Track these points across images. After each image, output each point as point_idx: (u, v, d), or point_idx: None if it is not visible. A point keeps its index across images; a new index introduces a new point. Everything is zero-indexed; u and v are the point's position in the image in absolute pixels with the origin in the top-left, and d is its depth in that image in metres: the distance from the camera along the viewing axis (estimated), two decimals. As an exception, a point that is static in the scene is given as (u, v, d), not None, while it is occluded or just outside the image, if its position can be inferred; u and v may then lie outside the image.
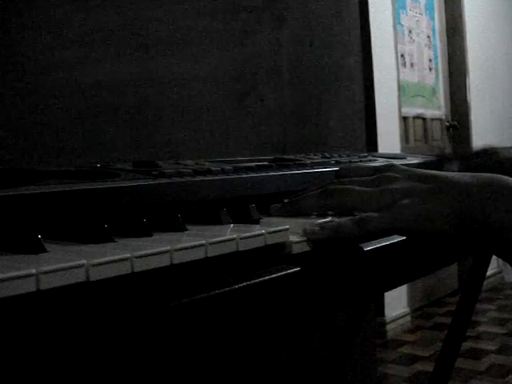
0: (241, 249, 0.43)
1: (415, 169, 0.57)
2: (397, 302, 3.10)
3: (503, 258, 0.52)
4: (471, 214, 0.50)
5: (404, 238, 0.61)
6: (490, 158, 0.89)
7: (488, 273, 1.46)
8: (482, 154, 0.91)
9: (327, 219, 0.56)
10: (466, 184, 0.52)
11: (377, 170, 0.59)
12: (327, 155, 0.97)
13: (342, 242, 0.52)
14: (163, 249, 0.37)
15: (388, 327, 3.01)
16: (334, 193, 0.57)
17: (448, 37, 3.90)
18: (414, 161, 1.07)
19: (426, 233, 0.52)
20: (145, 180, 0.57)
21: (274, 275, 0.45)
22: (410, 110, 3.39)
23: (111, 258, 0.34)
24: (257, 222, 0.54)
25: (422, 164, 0.97)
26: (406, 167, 0.58)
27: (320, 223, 0.52)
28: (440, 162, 0.94)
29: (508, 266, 0.54)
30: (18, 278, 0.30)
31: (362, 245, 0.55)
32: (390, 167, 0.58)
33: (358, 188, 0.56)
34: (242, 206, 0.55)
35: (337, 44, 1.49)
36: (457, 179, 0.53)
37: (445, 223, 0.51)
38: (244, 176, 0.67)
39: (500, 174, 0.62)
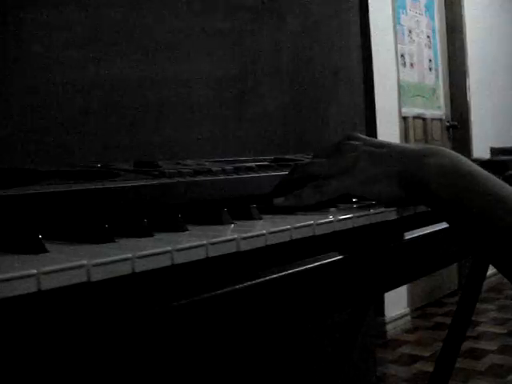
0: (242, 249, 0.43)
1: (372, 138, 0.64)
2: (397, 302, 3.10)
3: (444, 219, 0.58)
4: (412, 176, 0.57)
5: (405, 238, 0.62)
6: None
7: (488, 273, 1.46)
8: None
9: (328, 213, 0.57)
10: (411, 150, 0.59)
11: (339, 142, 0.64)
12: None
13: (336, 241, 0.56)
14: (164, 249, 0.37)
15: (388, 327, 3.01)
16: (300, 166, 0.64)
17: (448, 37, 3.90)
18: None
19: (377, 193, 0.59)
20: (145, 180, 0.57)
21: (274, 275, 0.45)
22: (410, 110, 3.39)
23: (112, 258, 0.34)
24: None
25: None
26: (363, 136, 0.64)
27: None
28: None
29: None
30: (19, 278, 0.30)
31: (363, 244, 0.55)
32: (349, 137, 0.64)
33: (321, 159, 0.62)
34: (243, 205, 0.55)
35: (337, 44, 1.48)
36: (405, 147, 0.61)
37: (392, 184, 0.58)
38: (244, 176, 0.67)
39: None
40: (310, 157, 0.94)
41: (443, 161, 0.56)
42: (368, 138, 0.64)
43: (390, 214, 0.60)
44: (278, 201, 0.60)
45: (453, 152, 0.58)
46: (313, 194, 0.59)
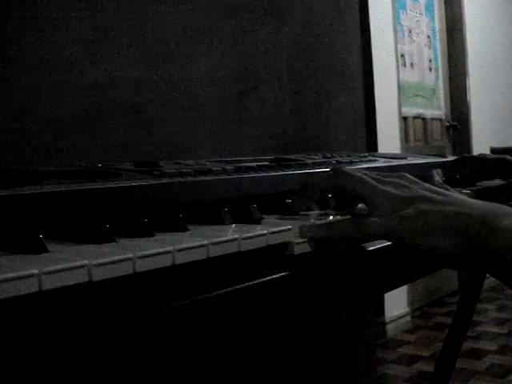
0: (243, 249, 0.43)
1: (425, 183, 0.56)
2: (397, 302, 3.10)
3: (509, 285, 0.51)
4: (475, 236, 0.48)
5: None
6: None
7: (488, 273, 1.45)
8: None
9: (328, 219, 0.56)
10: (480, 208, 0.50)
11: (388, 175, 0.57)
12: (328, 155, 0.97)
13: (336, 242, 0.52)
14: (165, 249, 0.37)
15: (388, 327, 3.01)
16: (343, 174, 0.55)
17: (448, 37, 3.90)
18: (414, 161, 1.07)
19: (433, 247, 0.50)
20: (146, 180, 0.57)
21: (275, 276, 0.45)
22: (410, 110, 3.39)
23: (113, 258, 0.34)
24: (258, 221, 0.54)
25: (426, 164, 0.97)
26: (417, 180, 0.56)
27: (315, 222, 0.52)
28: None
29: None
30: (20, 278, 0.30)
31: (364, 245, 0.55)
32: (401, 175, 0.56)
33: (369, 179, 0.54)
34: (244, 205, 0.55)
35: (337, 44, 1.48)
36: (471, 201, 0.52)
37: (451, 242, 0.49)
38: (245, 176, 0.67)
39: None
40: (309, 157, 0.94)
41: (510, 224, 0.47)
42: (420, 181, 0.56)
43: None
44: (307, 229, 0.51)
45: None
46: (348, 227, 0.52)
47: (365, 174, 0.56)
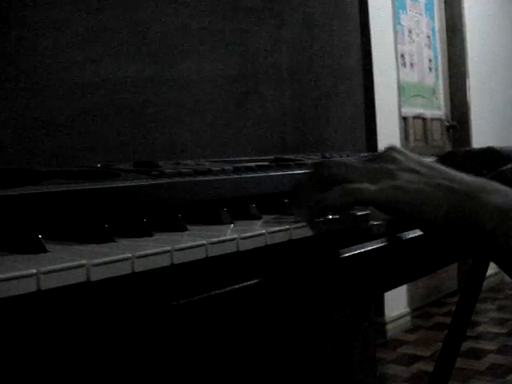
0: (241, 249, 0.43)
1: (414, 154, 0.56)
2: (397, 302, 3.10)
3: (495, 261, 0.51)
4: (464, 211, 0.49)
5: (405, 238, 0.62)
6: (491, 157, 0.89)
7: (488, 273, 1.46)
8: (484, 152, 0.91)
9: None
10: (465, 182, 0.51)
11: (375, 155, 0.57)
12: (327, 155, 0.97)
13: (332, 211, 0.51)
14: (164, 249, 0.37)
15: (388, 327, 3.01)
16: (327, 164, 0.54)
17: (448, 37, 3.90)
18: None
19: (416, 216, 0.50)
20: (145, 180, 0.57)
21: (274, 275, 0.45)
22: (410, 110, 3.39)
23: (112, 258, 0.34)
24: (257, 221, 0.54)
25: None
26: (405, 151, 0.56)
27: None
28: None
29: None
30: (19, 277, 0.30)
31: (366, 243, 0.55)
32: (390, 149, 0.56)
33: (356, 163, 0.54)
34: (243, 205, 0.55)
35: (337, 44, 1.48)
36: (456, 174, 0.52)
37: (437, 212, 0.49)
38: (244, 176, 0.67)
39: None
40: (309, 157, 0.94)
41: (501, 200, 0.48)
42: (409, 152, 0.56)
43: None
44: (299, 213, 0.51)
45: (508, 189, 0.50)
46: (341, 196, 0.50)
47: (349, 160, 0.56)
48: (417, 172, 0.52)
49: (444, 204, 0.49)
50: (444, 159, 0.95)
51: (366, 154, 0.59)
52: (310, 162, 0.84)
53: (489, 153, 0.91)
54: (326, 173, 0.53)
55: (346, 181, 0.52)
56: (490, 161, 0.89)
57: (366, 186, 0.51)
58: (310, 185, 0.54)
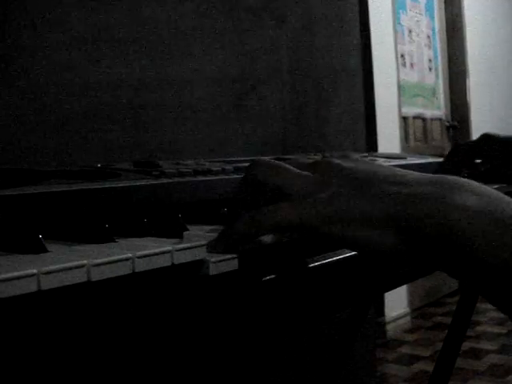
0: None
1: (365, 160, 0.44)
2: (397, 302, 3.10)
3: (461, 277, 0.40)
4: (423, 223, 0.36)
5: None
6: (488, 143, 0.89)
7: (488, 273, 1.45)
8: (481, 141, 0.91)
9: None
10: (421, 182, 0.38)
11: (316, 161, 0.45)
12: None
13: (241, 244, 0.41)
14: (164, 249, 0.37)
15: (388, 327, 3.01)
16: (257, 164, 0.45)
17: (448, 37, 3.90)
18: (414, 161, 1.07)
19: (359, 240, 0.38)
20: (145, 180, 0.57)
21: (273, 275, 0.45)
22: (410, 110, 3.39)
23: (112, 258, 0.34)
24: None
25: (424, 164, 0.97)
26: (357, 156, 0.45)
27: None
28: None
29: None
30: (19, 278, 0.30)
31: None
32: (345, 155, 0.46)
33: (289, 166, 0.44)
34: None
35: (337, 44, 1.48)
36: (408, 175, 0.40)
37: (385, 231, 0.37)
38: (244, 176, 0.67)
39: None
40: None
41: (483, 202, 0.36)
42: (362, 159, 0.45)
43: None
44: (210, 245, 0.40)
45: (475, 183, 0.38)
46: (248, 227, 0.40)
47: (296, 162, 0.46)
48: (354, 180, 0.40)
49: (393, 219, 0.37)
50: (454, 156, 0.93)
51: (314, 157, 0.48)
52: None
53: (484, 140, 0.90)
54: (253, 173, 0.44)
55: (275, 189, 0.43)
56: (486, 148, 0.88)
57: (286, 205, 0.40)
58: (242, 194, 0.46)
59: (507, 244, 0.34)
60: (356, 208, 0.38)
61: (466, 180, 0.38)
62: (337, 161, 0.43)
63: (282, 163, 0.44)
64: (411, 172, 0.41)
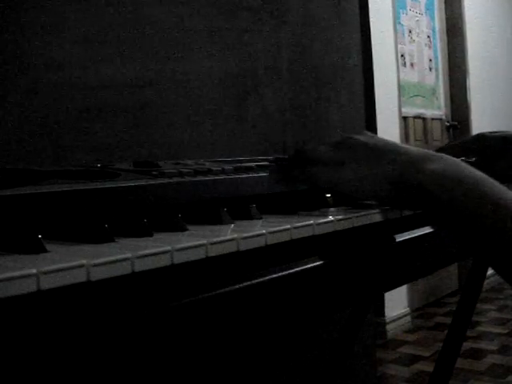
0: (241, 249, 0.43)
1: (377, 137, 0.62)
2: (397, 302, 3.10)
3: (443, 223, 0.56)
4: (410, 179, 0.55)
5: (404, 239, 0.62)
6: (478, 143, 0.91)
7: (488, 273, 1.46)
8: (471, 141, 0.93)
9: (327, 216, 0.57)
10: (411, 153, 0.57)
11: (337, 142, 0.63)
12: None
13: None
14: (164, 249, 0.37)
15: (388, 327, 3.01)
16: (300, 151, 0.64)
17: (448, 37, 3.90)
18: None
19: (365, 192, 0.58)
20: (145, 180, 0.57)
21: (274, 275, 0.45)
22: (410, 110, 3.39)
23: (112, 258, 0.34)
24: (257, 221, 0.54)
25: None
26: (371, 134, 0.63)
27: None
28: None
29: None
30: (19, 278, 0.30)
31: (365, 245, 0.55)
32: (358, 133, 0.63)
33: (323, 147, 0.62)
34: (243, 205, 0.55)
35: (337, 44, 1.48)
36: (406, 149, 0.58)
37: (382, 184, 0.57)
38: (244, 176, 0.67)
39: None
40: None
41: (444, 166, 0.55)
42: (375, 136, 0.63)
43: (379, 216, 0.60)
44: (272, 176, 0.63)
45: (453, 158, 0.57)
46: (301, 179, 0.61)
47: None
48: (368, 151, 0.59)
49: (388, 176, 0.56)
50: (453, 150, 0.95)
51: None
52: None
53: (477, 139, 0.92)
54: (297, 158, 0.63)
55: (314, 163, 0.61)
56: (479, 147, 0.90)
57: (316, 170, 0.60)
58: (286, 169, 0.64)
59: (455, 190, 0.53)
60: (368, 172, 0.58)
61: (441, 154, 0.57)
62: (356, 136, 0.61)
63: (319, 147, 0.62)
64: (408, 147, 0.59)
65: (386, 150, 0.59)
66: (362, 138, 0.61)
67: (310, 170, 0.61)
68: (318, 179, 0.60)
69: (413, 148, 0.59)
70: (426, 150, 0.58)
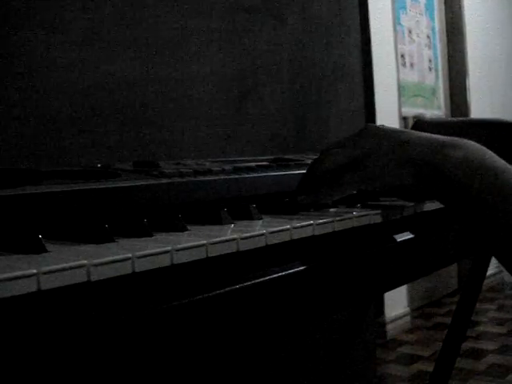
0: (241, 249, 0.43)
1: (391, 127, 0.63)
2: (397, 302, 3.10)
3: (462, 212, 0.55)
4: (432, 166, 0.55)
5: (404, 239, 0.62)
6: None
7: (488, 273, 1.46)
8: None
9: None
10: (434, 140, 0.57)
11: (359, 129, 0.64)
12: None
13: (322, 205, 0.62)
14: (164, 249, 0.37)
15: (388, 327, 3.01)
16: (316, 164, 0.64)
17: (448, 37, 3.90)
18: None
19: (388, 183, 0.58)
20: (145, 180, 0.57)
21: (274, 275, 0.45)
22: (410, 110, 3.39)
23: (112, 258, 0.34)
24: (257, 222, 0.54)
25: None
26: (383, 126, 0.64)
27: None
28: None
29: None
30: (19, 278, 0.30)
31: (365, 245, 0.55)
32: (368, 126, 0.64)
33: (336, 150, 0.62)
34: (243, 205, 0.55)
35: (337, 44, 1.48)
36: (427, 135, 0.59)
37: (405, 172, 0.57)
38: (244, 176, 0.67)
39: None
40: (309, 157, 0.94)
41: (469, 154, 0.54)
42: (387, 127, 0.64)
43: (379, 216, 0.60)
44: (301, 198, 0.62)
45: (477, 145, 0.56)
46: (330, 193, 0.61)
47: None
48: (389, 141, 0.59)
49: (411, 164, 0.56)
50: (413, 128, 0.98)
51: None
52: (310, 161, 0.84)
53: (416, 126, 0.94)
54: (317, 173, 0.63)
55: (333, 171, 0.61)
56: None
57: (339, 151, 0.61)
58: (309, 183, 0.64)
59: (479, 179, 0.53)
60: (389, 163, 0.58)
61: (466, 141, 0.56)
62: (377, 125, 0.63)
63: (333, 151, 0.63)
64: (428, 135, 0.59)
65: (409, 137, 0.59)
66: (381, 127, 0.62)
67: (336, 181, 0.60)
68: (342, 189, 0.61)
69: (437, 135, 0.58)
70: (451, 137, 0.58)
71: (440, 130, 0.87)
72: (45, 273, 0.31)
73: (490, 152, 0.56)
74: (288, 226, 0.48)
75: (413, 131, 0.61)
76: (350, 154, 0.60)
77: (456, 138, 0.57)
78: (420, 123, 0.92)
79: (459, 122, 0.83)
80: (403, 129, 0.63)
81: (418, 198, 0.62)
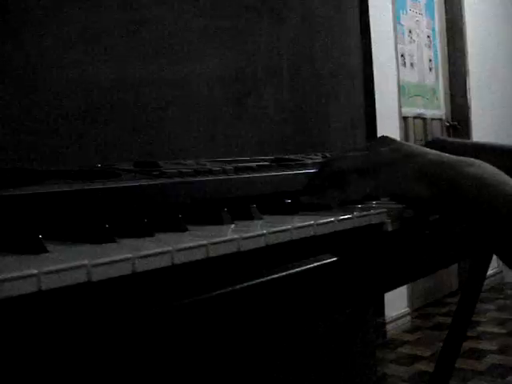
0: (242, 249, 0.43)
1: (400, 142, 0.64)
2: (397, 302, 3.10)
3: (478, 228, 0.57)
4: (448, 181, 0.57)
5: (405, 238, 0.62)
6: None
7: (488, 273, 1.46)
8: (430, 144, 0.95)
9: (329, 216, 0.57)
10: (450, 157, 0.59)
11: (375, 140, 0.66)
12: (327, 155, 0.97)
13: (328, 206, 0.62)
14: (165, 249, 0.37)
15: (388, 327, 3.01)
16: (331, 161, 0.65)
17: (448, 37, 3.90)
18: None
19: (402, 192, 0.59)
20: (146, 180, 0.57)
21: (274, 276, 0.45)
22: (410, 110, 3.39)
23: (113, 258, 0.34)
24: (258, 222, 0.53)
25: None
26: (394, 139, 0.64)
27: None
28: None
29: None
30: (19, 278, 0.30)
31: (365, 245, 0.55)
32: (384, 137, 0.64)
33: (353, 153, 0.65)
34: (243, 205, 0.55)
35: (337, 44, 1.48)
36: (443, 154, 0.61)
37: (420, 184, 0.58)
38: (245, 176, 0.67)
39: None
40: (309, 157, 0.94)
41: (483, 172, 0.57)
42: (395, 141, 0.65)
43: (379, 216, 0.60)
44: (304, 198, 0.62)
45: (489, 165, 0.59)
46: (337, 194, 0.62)
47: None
48: (406, 153, 0.60)
49: (427, 176, 0.58)
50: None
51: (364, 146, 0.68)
52: (310, 161, 0.84)
53: (432, 144, 0.94)
54: (329, 170, 0.64)
55: (346, 173, 0.62)
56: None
57: (354, 155, 0.63)
58: (318, 181, 0.65)
59: (494, 197, 0.55)
60: (406, 173, 0.59)
61: (479, 161, 0.59)
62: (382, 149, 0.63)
63: (349, 154, 0.65)
64: (443, 153, 0.60)
65: (425, 151, 0.61)
66: (397, 140, 0.63)
67: (346, 184, 0.61)
68: (352, 192, 0.61)
69: (448, 155, 0.60)
70: (465, 157, 0.60)
71: (454, 151, 0.89)
72: (45, 273, 0.30)
73: (502, 172, 0.58)
74: (288, 226, 0.48)
75: (422, 147, 0.63)
76: (364, 159, 0.62)
77: (471, 158, 0.59)
78: (436, 142, 0.93)
79: (473, 146, 0.85)
80: (409, 144, 0.64)
81: (429, 209, 0.63)
